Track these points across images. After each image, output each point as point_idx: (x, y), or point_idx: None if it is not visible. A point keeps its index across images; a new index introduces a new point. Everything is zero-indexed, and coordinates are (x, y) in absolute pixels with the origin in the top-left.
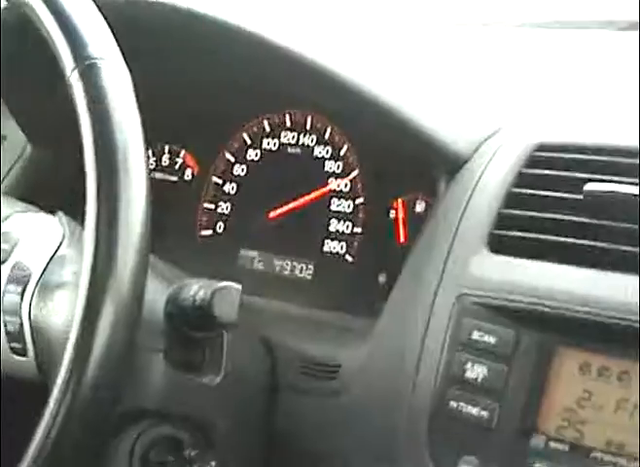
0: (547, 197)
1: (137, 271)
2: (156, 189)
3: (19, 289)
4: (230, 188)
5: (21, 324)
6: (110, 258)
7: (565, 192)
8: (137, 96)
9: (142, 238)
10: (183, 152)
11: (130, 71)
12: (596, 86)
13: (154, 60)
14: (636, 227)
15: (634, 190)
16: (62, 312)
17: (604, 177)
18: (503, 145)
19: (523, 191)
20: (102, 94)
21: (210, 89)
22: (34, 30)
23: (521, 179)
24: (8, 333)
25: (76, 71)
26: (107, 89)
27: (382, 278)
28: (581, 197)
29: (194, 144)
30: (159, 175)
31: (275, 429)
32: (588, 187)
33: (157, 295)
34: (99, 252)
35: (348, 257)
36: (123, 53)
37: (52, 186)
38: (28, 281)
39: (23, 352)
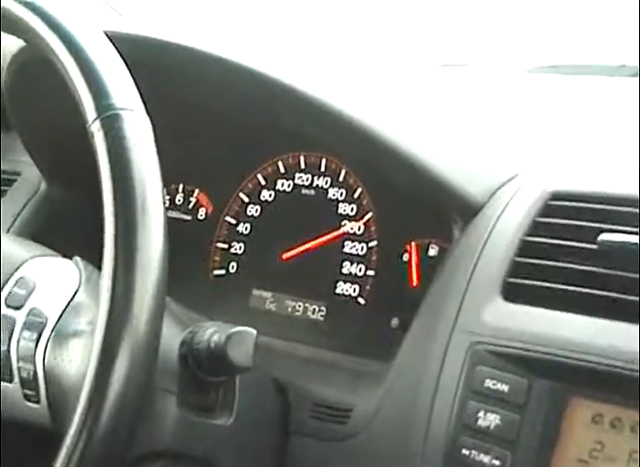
0: (561, 246)
1: (154, 317)
2: (169, 227)
3: (35, 336)
4: (243, 228)
5: (35, 371)
6: (127, 304)
7: (579, 241)
8: (155, 140)
9: (159, 285)
10: (197, 191)
11: (150, 117)
12: (612, 132)
13: (170, 102)
14: None
15: None
16: (77, 361)
17: (619, 227)
18: (519, 192)
19: (538, 239)
20: (123, 145)
21: (225, 130)
22: (53, 68)
23: (536, 227)
24: (22, 379)
25: (98, 121)
26: (128, 140)
27: (395, 322)
28: (595, 246)
29: (208, 184)
30: (172, 214)
31: None
32: (603, 237)
33: (171, 338)
34: (116, 298)
35: (361, 299)
36: (140, 95)
37: (66, 225)
38: (44, 328)
39: (37, 399)
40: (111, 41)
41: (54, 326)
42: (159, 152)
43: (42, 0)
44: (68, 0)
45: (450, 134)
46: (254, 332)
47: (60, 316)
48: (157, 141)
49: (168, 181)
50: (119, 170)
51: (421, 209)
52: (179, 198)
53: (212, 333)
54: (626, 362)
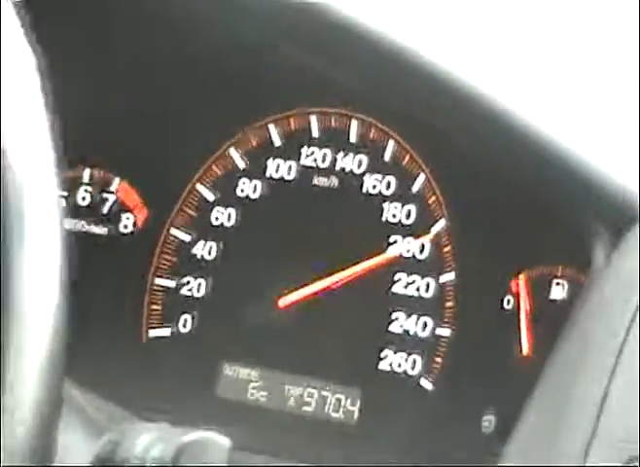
0: None
1: (42, 416)
2: (68, 250)
3: None
4: (205, 250)
5: None
6: None
7: None
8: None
9: (51, 356)
10: (117, 181)
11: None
12: None
13: (79, 27)
14: None
15: None
16: None
17: None
18: None
19: None
20: None
21: (175, 72)
22: None
23: None
24: None
25: None
26: None
27: (488, 423)
28: None
29: (139, 169)
30: (74, 224)
31: None
32: None
33: (76, 453)
34: None
35: (425, 382)
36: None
37: None
38: None
39: None
40: None
41: None
42: (53, 112)
43: None
44: None
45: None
46: (226, 443)
47: None
48: (52, 93)
49: (69, 163)
50: None
51: (536, 216)
52: (84, 196)
53: (150, 444)
54: None
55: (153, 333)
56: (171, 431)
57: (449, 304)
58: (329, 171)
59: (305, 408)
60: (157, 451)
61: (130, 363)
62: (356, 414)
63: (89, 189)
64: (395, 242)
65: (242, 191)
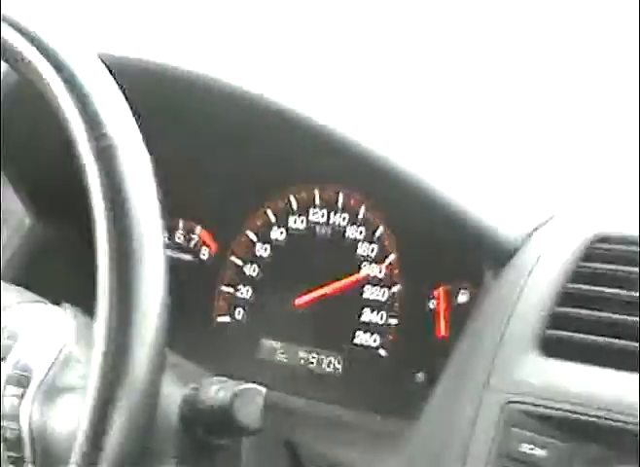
0: (608, 294)
1: (152, 373)
2: (168, 269)
3: (20, 392)
4: (251, 270)
5: (20, 431)
6: (123, 358)
7: (630, 289)
8: (154, 172)
9: (158, 335)
10: (199, 228)
11: (148, 146)
12: None
13: (170, 130)
14: None
15: None
16: (66, 420)
17: None
18: (556, 235)
19: (581, 286)
20: (119, 179)
21: (232, 161)
22: (38, 95)
23: (579, 273)
24: (5, 440)
25: (90, 153)
26: (124, 174)
27: (420, 376)
28: None
29: (211, 220)
30: (171, 254)
31: None
32: None
33: (171, 395)
34: (111, 351)
35: (382, 351)
36: (138, 124)
37: (55, 267)
38: (29, 383)
39: (21, 463)
40: (108, 66)
41: (41, 381)
42: (157, 185)
43: (33, 25)
44: (61, 23)
45: (482, 174)
46: (263, 390)
47: (48, 370)
48: (155, 173)
49: (167, 217)
50: (113, 207)
51: (449, 252)
52: (179, 236)
53: (217, 390)
54: None
55: (219, 319)
56: (230, 382)
57: (397, 304)
58: (326, 224)
59: (310, 365)
60: (221, 394)
61: (205, 339)
62: (340, 370)
63: (182, 232)
64: (364, 267)
65: (274, 235)
